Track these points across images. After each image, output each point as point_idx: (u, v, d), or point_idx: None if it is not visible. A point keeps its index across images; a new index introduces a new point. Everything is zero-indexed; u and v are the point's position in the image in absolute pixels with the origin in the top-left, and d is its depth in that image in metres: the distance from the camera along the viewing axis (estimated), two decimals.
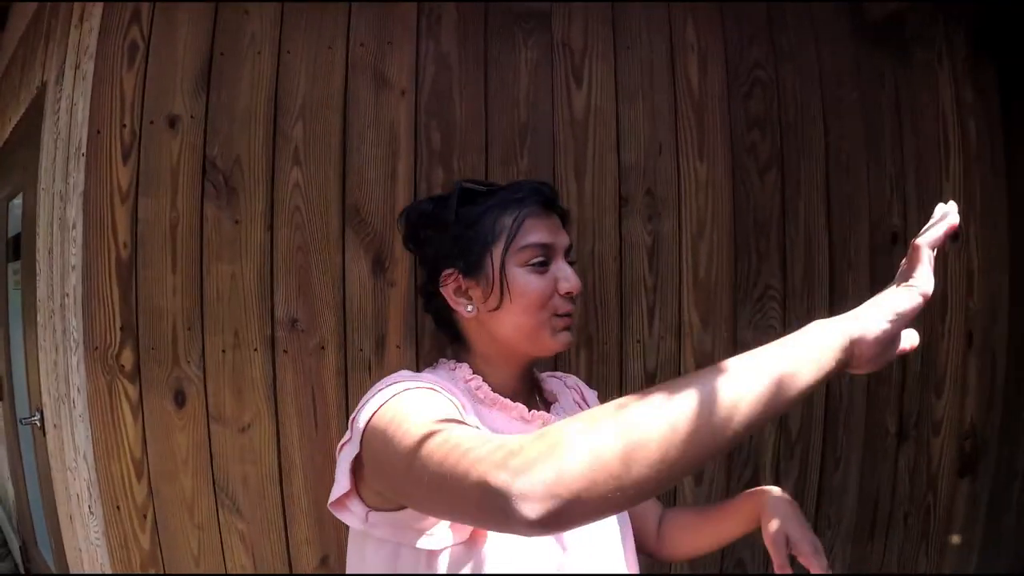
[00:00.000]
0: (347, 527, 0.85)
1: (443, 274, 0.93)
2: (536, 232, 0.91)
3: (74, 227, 1.49)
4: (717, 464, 1.67)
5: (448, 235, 0.93)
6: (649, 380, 1.58)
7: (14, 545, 3.59)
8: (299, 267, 1.43)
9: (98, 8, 1.61)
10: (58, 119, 1.80)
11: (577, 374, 1.48)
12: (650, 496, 0.60)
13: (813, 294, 1.73)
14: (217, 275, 1.41)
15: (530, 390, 0.98)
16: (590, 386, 1.09)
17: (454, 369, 0.95)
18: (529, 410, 0.91)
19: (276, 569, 1.47)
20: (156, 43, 1.44)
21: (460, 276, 0.93)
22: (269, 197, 1.43)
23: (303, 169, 1.44)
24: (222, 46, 1.45)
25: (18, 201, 2.65)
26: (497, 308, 0.92)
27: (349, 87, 1.46)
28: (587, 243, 1.53)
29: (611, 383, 1.53)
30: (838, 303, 1.76)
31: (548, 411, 0.96)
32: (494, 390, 0.93)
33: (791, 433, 1.75)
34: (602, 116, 1.54)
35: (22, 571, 3.42)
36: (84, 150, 1.46)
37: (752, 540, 1.74)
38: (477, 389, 0.92)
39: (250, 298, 1.41)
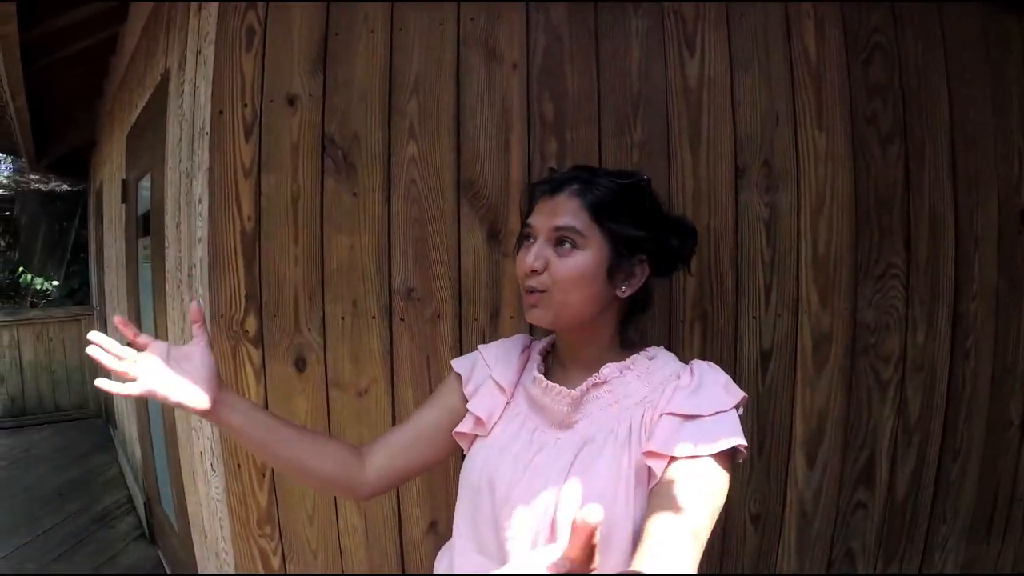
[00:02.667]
0: (456, 492, 1.04)
1: None
2: (533, 214, 1.00)
3: (200, 202, 1.57)
4: (832, 447, 1.61)
5: None
6: (764, 358, 1.53)
7: (139, 501, 3.81)
8: (415, 239, 1.45)
9: None
10: (182, 102, 1.89)
11: (691, 350, 1.46)
12: None
13: (938, 273, 1.64)
14: (336, 246, 1.45)
15: (596, 364, 0.99)
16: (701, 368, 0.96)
17: (544, 338, 1.10)
18: (574, 388, 0.98)
19: (386, 531, 1.51)
20: (272, 26, 1.48)
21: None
22: (386, 171, 1.45)
23: (418, 143, 1.46)
24: (336, 26, 1.48)
25: (147, 182, 2.77)
26: None
27: (461, 62, 1.47)
28: (703, 216, 1.49)
29: (726, 360, 1.49)
30: (964, 284, 1.67)
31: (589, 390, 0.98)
32: (560, 357, 1.05)
33: (910, 419, 1.67)
34: (716, 85, 1.50)
35: (145, 526, 3.65)
36: (208, 130, 1.52)
37: (862, 530, 1.69)
38: (541, 354, 1.07)
39: (368, 268, 1.45)
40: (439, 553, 1.09)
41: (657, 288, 1.46)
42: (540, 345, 1.09)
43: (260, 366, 1.46)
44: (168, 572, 3.21)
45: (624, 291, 0.98)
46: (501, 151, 1.46)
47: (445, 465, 1.46)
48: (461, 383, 1.07)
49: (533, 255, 0.95)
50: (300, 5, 1.49)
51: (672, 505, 0.79)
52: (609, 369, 0.96)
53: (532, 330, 1.42)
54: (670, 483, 0.82)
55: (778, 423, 1.57)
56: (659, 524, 0.78)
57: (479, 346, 1.12)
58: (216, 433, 1.58)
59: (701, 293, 1.49)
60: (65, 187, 7.68)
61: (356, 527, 1.52)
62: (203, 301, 1.54)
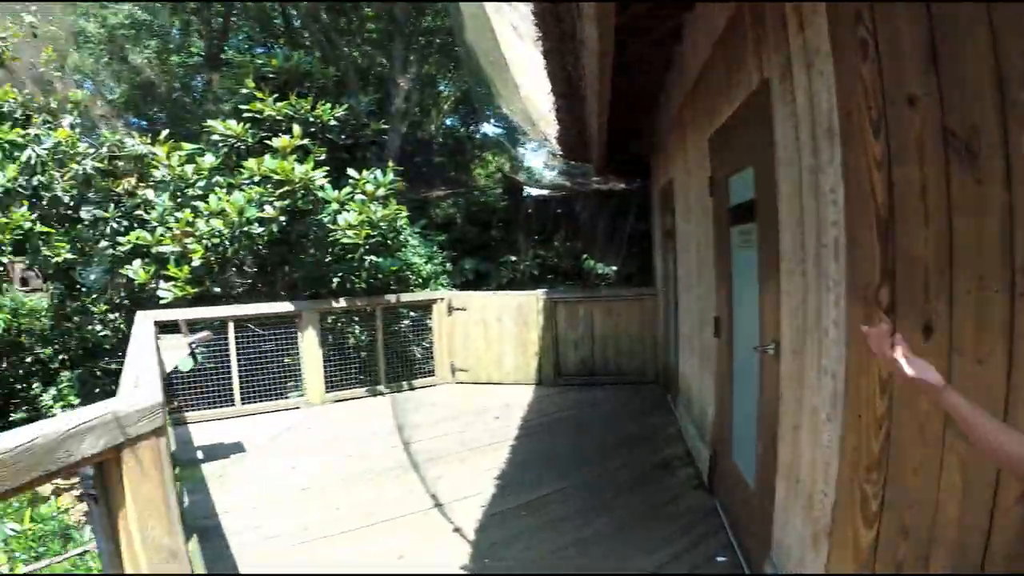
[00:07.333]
0: None
1: None
2: None
3: (833, 191, 1.87)
4: None
5: None
6: None
7: (702, 456, 4.28)
8: None
9: (820, 16, 1.93)
10: (794, 108, 2.23)
11: None
12: None
13: None
14: (963, 228, 1.54)
15: None
16: None
17: None
18: None
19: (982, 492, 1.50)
20: (881, 36, 1.67)
21: None
22: (1004, 159, 1.47)
23: None
24: (942, 30, 1.55)
25: (737, 177, 3.15)
26: None
27: None
28: None
29: None
30: None
31: None
32: None
33: None
34: None
35: (705, 478, 4.10)
36: (837, 131, 1.79)
37: None
38: None
39: (992, 248, 1.50)
40: None
41: None
42: None
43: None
44: (723, 517, 3.56)
45: None
46: None
47: None
48: None
49: None
50: (906, 16, 1.62)
51: None
52: None
53: None
54: None
55: None
56: None
57: None
58: (839, 386, 1.84)
59: None
60: (622, 186, 9.04)
61: (955, 485, 1.56)
62: (837, 275, 1.83)
